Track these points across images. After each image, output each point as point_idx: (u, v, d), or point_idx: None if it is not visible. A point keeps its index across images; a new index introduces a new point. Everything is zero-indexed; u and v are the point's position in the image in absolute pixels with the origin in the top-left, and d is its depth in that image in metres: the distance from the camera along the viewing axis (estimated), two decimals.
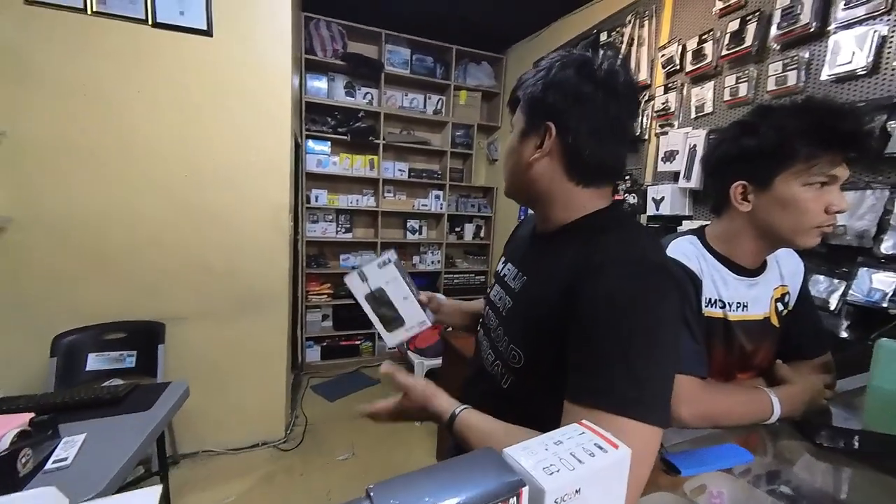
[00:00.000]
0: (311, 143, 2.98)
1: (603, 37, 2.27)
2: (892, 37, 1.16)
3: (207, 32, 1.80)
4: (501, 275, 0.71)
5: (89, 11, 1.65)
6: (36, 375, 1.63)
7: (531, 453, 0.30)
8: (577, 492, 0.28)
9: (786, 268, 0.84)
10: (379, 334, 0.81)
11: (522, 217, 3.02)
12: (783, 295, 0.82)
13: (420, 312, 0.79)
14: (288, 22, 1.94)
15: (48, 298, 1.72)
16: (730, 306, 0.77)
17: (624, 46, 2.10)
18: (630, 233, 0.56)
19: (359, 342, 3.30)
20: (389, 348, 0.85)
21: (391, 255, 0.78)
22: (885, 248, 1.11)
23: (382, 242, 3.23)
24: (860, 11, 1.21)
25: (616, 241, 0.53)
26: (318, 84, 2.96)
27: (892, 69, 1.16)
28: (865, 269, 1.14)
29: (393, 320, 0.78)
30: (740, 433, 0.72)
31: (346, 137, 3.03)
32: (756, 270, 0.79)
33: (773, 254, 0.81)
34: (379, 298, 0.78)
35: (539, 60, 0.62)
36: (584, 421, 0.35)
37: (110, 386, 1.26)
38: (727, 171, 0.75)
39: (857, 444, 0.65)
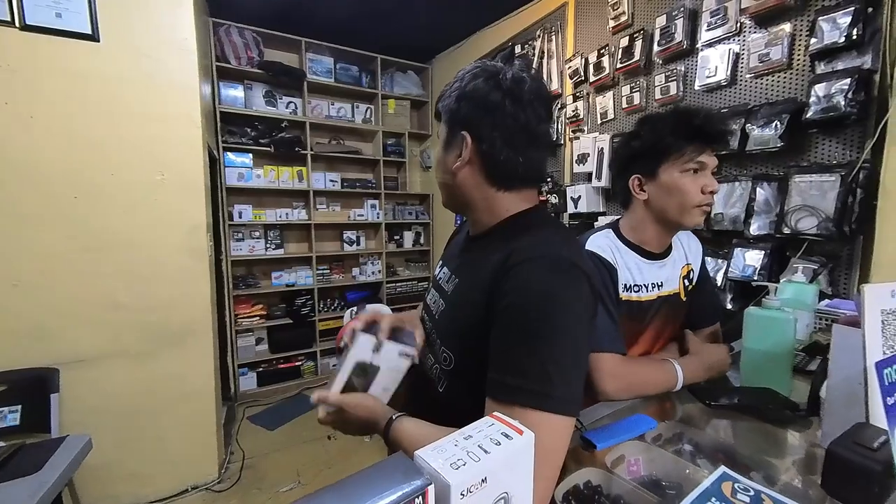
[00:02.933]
0: (230, 156, 2.78)
1: (518, 49, 2.42)
2: (743, 54, 1.39)
3: (93, 37, 1.61)
4: (437, 278, 0.72)
5: None
6: None
7: (440, 452, 0.31)
8: (483, 481, 0.30)
9: (689, 248, 0.97)
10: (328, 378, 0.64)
11: (459, 221, 3.10)
12: (689, 272, 0.96)
13: None
14: (191, 27, 1.80)
15: None
16: (645, 288, 0.88)
17: (536, 59, 2.27)
18: (545, 232, 0.58)
19: (299, 363, 3.12)
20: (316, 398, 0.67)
21: (415, 356, 0.67)
22: (753, 229, 1.33)
23: (318, 256, 3.11)
24: (719, 32, 1.44)
25: (531, 240, 0.55)
26: (234, 93, 2.78)
27: (745, 81, 1.39)
28: (739, 248, 1.35)
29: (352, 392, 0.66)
30: (650, 403, 0.81)
31: (269, 149, 2.87)
32: (663, 253, 0.92)
33: (676, 237, 0.94)
34: (365, 371, 0.65)
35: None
36: (495, 413, 0.37)
37: None
38: (626, 170, 0.89)
39: (736, 399, 0.76)
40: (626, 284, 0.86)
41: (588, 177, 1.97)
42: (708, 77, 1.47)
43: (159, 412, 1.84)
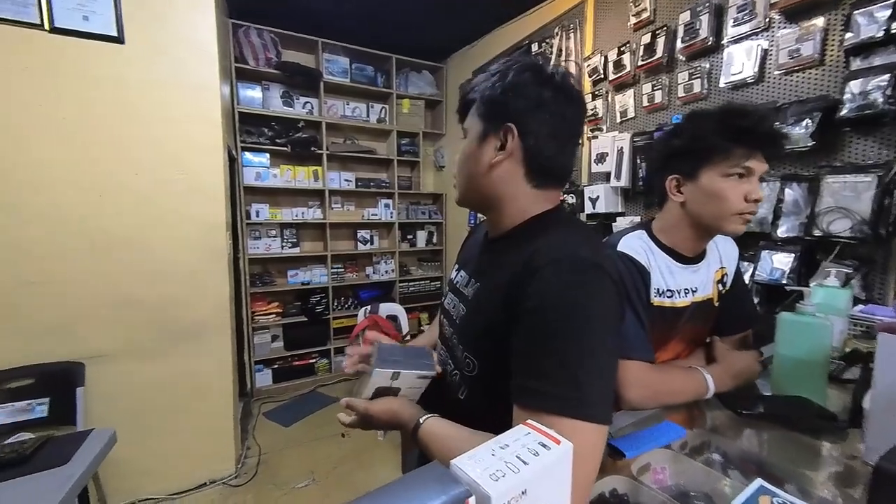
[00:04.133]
0: (248, 156, 2.82)
1: (534, 48, 2.39)
2: (772, 50, 1.34)
3: (118, 39, 1.64)
4: (454, 282, 0.71)
5: None
6: None
7: (477, 461, 0.30)
8: (523, 493, 0.29)
9: (724, 251, 0.93)
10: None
11: (473, 221, 3.09)
12: (723, 276, 0.91)
13: None
14: (212, 28, 1.83)
15: None
16: (678, 294, 0.84)
17: (553, 57, 2.23)
18: (566, 233, 0.56)
19: (314, 360, 3.15)
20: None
21: (435, 374, 0.69)
22: (781, 232, 1.28)
23: (332, 255, 3.13)
24: (745, 28, 1.39)
25: (552, 242, 0.54)
26: (252, 93, 2.81)
27: (774, 78, 1.34)
28: (767, 251, 1.31)
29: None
30: (676, 411, 0.79)
31: (286, 148, 2.91)
32: (697, 258, 0.87)
33: (711, 240, 0.89)
34: (386, 392, 0.68)
35: (479, 69, 0.63)
36: (529, 421, 0.36)
37: (14, 443, 1.09)
38: (664, 168, 0.84)
39: (764, 408, 0.73)
40: (658, 289, 0.82)
41: (606, 177, 1.93)
42: (734, 74, 1.42)
43: (178, 407, 1.88)
